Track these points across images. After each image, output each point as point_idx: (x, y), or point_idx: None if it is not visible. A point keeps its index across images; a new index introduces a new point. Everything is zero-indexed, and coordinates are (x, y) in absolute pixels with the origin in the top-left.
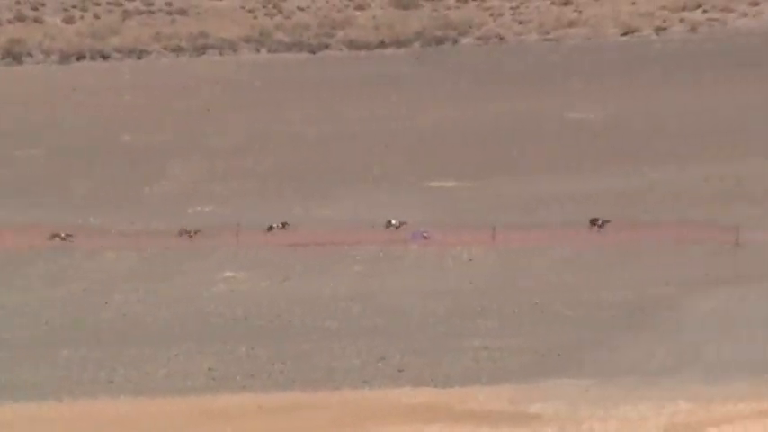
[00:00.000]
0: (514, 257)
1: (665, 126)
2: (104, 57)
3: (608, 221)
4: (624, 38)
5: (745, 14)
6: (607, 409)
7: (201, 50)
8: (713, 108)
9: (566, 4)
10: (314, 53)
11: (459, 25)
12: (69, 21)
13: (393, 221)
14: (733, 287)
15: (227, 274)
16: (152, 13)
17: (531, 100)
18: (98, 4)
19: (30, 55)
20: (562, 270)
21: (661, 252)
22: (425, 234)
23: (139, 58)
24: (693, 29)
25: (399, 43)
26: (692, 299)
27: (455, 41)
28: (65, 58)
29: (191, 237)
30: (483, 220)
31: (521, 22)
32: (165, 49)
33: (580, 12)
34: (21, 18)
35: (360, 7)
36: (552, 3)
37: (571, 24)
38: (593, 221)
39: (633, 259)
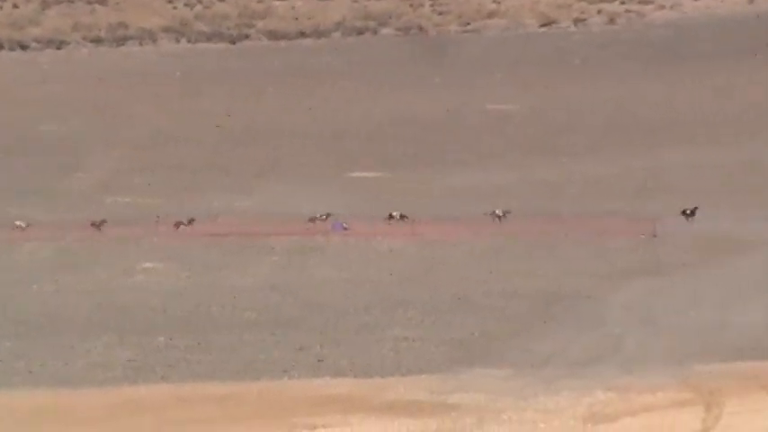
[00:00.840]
0: (434, 249)
1: (584, 118)
2: (23, 47)
3: (509, 212)
4: (543, 29)
5: (663, 6)
6: (526, 399)
7: (121, 41)
8: (632, 100)
9: None
10: (234, 43)
11: (379, 16)
12: None
13: (319, 215)
14: (650, 278)
15: (146, 265)
16: (71, 2)
17: (452, 91)
18: None
19: None
20: (481, 261)
21: (579, 243)
22: (345, 225)
23: (59, 48)
24: (612, 21)
25: (319, 33)
26: (609, 290)
27: (375, 32)
28: None
29: (98, 228)
30: (404, 212)
31: (440, 13)
32: (84, 39)
33: (499, 3)
34: None
35: None
36: None
37: (490, 15)
38: (494, 213)
39: (552, 251)
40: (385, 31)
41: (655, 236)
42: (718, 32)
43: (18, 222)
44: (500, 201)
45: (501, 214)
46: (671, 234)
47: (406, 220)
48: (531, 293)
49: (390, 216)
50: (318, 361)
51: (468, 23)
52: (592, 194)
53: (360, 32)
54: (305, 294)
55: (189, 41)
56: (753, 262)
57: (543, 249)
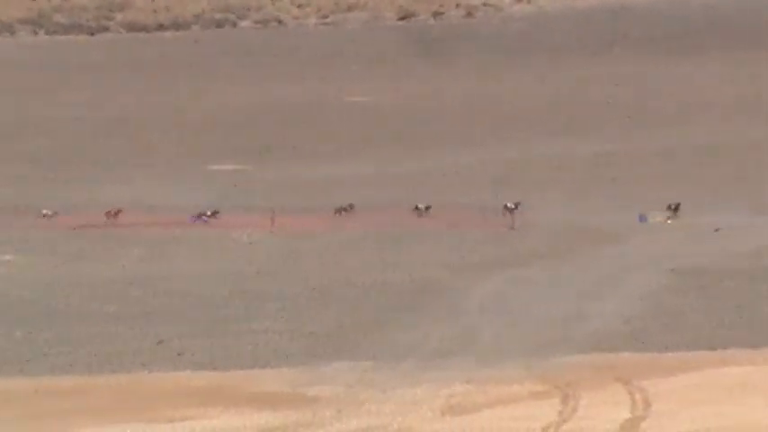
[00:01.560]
0: (294, 241)
1: (443, 110)
2: None
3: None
4: (402, 22)
5: (520, 0)
6: (385, 391)
7: None
8: (491, 92)
9: None
10: (92, 35)
11: (238, 8)
12: None
13: (207, 211)
14: (508, 270)
15: (5, 257)
16: None
17: (311, 84)
18: None
19: None
20: (340, 254)
21: (439, 236)
22: (205, 217)
23: None
24: (470, 14)
25: (178, 26)
26: (468, 282)
27: (234, 24)
28: None
29: None
30: (263, 204)
31: (299, 6)
32: None
33: None
34: None
35: None
36: None
37: (350, 8)
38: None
39: (411, 243)
40: (244, 23)
41: (514, 227)
42: (574, 26)
43: None
44: (360, 192)
45: (424, 208)
46: (530, 225)
47: (267, 211)
48: (389, 286)
49: (253, 208)
50: (178, 354)
51: (327, 16)
52: (450, 187)
53: (219, 25)
54: (165, 286)
55: (47, 33)
56: (608, 254)
57: (402, 241)
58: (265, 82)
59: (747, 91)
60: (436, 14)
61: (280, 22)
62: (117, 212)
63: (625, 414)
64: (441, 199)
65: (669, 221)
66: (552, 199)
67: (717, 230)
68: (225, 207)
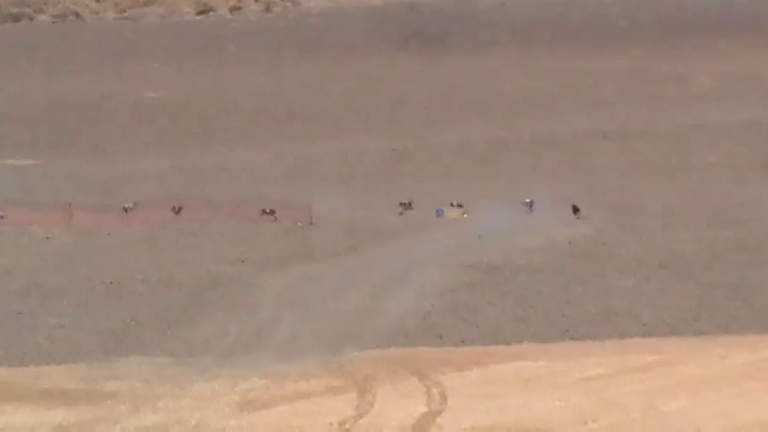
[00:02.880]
0: (90, 237)
1: (239, 105)
2: None
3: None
4: (200, 17)
5: None
6: (182, 386)
7: None
8: (287, 88)
9: None
10: None
11: (35, 2)
12: None
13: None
14: (306, 265)
15: None
16: None
17: (108, 78)
18: None
19: None
20: (137, 250)
21: (235, 231)
22: (1, 213)
23: None
24: (268, 9)
25: None
26: (265, 277)
27: (31, 18)
28: None
29: None
30: (59, 199)
31: (98, 1)
32: None
33: None
34: None
35: None
36: None
37: (147, 3)
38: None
39: (207, 238)
40: (41, 17)
41: (312, 222)
42: (370, 22)
43: None
44: (156, 188)
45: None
46: (327, 220)
47: (64, 207)
48: (185, 281)
49: (49, 204)
50: None
51: (125, 11)
52: (247, 181)
53: (15, 19)
54: None
55: None
56: (403, 249)
57: (198, 237)
58: (62, 76)
59: (541, 85)
60: (234, 9)
61: (77, 15)
62: None
63: (421, 408)
64: (238, 193)
65: (465, 216)
66: (343, 194)
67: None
68: (21, 202)
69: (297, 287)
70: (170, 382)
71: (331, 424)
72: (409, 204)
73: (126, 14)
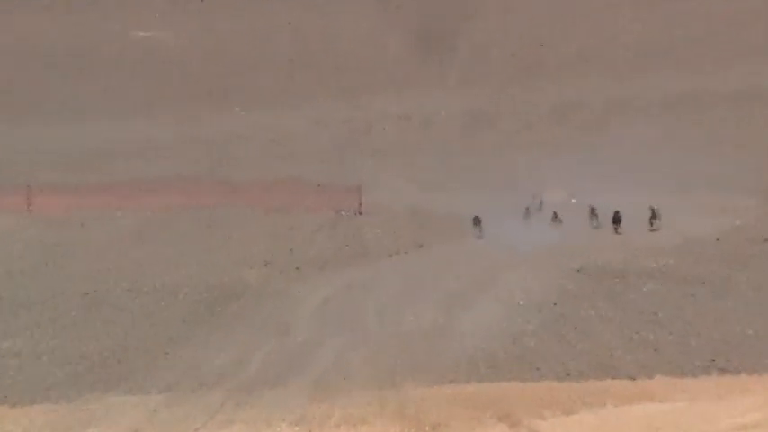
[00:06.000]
0: (59, 228)
1: (264, 53)
2: None
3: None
4: None
5: None
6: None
7: None
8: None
9: None
10: None
11: None
12: None
13: None
14: (354, 269)
15: None
16: None
17: (84, 13)
18: None
19: None
20: (125, 245)
21: (261, 221)
22: None
23: None
24: None
25: None
26: (298, 286)
27: None
28: None
29: None
30: (15, 180)
31: None
32: None
33: None
34: None
35: None
36: None
37: None
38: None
39: (222, 230)
40: None
41: (360, 212)
42: None
43: None
44: (154, 165)
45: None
46: (380, 209)
47: (18, 190)
48: (190, 289)
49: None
50: None
51: None
52: (278, 156)
53: None
54: None
55: None
56: (482, 246)
57: (211, 229)
58: (25, 13)
59: None
60: None
61: None
62: None
63: None
64: (267, 172)
65: (572, 201)
66: (404, 173)
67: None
68: None
69: (341, 299)
70: (166, 429)
71: None
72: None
73: None
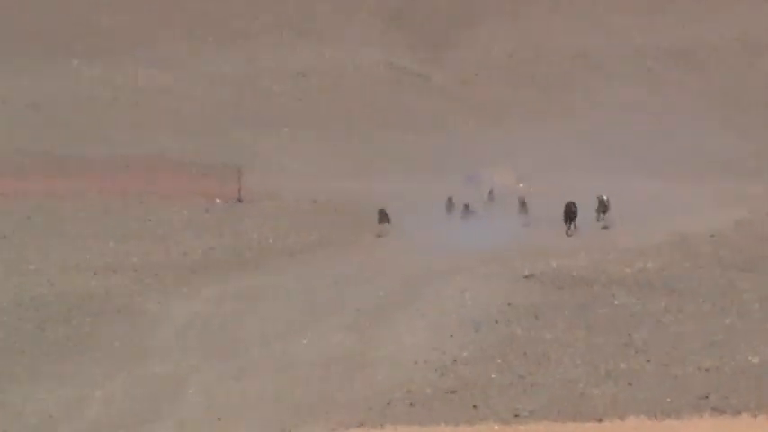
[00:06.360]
0: None
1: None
2: None
3: None
4: None
5: None
6: None
7: None
8: None
9: None
10: None
11: None
12: None
13: None
14: (231, 277)
15: None
16: None
17: None
18: None
19: None
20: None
21: (105, 211)
22: None
23: None
24: None
25: None
26: (158, 297)
27: None
28: None
29: None
30: None
31: None
32: None
33: None
34: None
35: None
36: None
37: None
38: None
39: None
40: None
41: (240, 199)
42: None
43: None
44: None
45: None
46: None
47: None
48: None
49: None
50: None
51: None
52: (141, 128)
53: None
54: None
55: None
56: (402, 247)
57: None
58: None
59: None
60: None
61: None
62: None
63: None
64: (124, 148)
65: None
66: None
67: None
68: None
69: (214, 316)
70: None
71: None
72: None
73: None
